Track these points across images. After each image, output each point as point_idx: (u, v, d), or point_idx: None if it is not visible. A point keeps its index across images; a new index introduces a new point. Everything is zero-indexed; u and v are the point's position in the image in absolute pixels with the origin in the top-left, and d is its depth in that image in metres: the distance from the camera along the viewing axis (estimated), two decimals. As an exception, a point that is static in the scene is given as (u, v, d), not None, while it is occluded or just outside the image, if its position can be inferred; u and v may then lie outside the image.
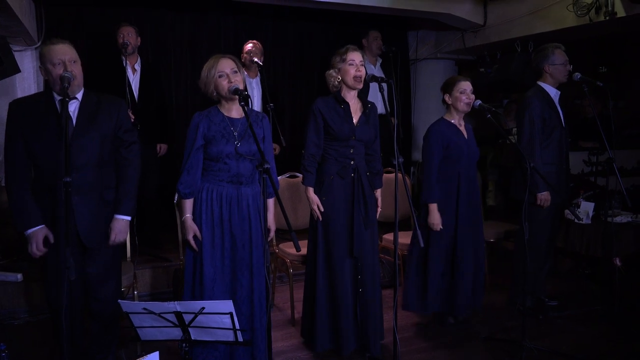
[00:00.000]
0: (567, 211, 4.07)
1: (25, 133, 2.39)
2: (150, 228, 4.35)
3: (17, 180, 2.42)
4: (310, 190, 2.90)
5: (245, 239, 2.58)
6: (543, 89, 3.55)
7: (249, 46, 4.40)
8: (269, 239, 2.68)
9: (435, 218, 3.18)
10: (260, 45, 4.44)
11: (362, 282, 2.91)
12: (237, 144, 2.52)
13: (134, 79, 4.08)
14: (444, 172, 3.22)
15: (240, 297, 2.56)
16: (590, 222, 4.08)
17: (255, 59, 4.29)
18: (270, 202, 2.74)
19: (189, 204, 2.57)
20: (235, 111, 2.59)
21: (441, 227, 3.18)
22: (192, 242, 2.55)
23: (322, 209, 2.88)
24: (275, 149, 4.13)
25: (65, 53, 2.37)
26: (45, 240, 2.44)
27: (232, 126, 2.55)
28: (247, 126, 2.53)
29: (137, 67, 4.16)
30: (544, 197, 3.44)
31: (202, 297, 2.51)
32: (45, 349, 3.01)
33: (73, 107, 2.46)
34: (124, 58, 4.03)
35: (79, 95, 2.48)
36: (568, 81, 3.53)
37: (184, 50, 5.30)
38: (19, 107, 2.44)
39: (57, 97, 2.40)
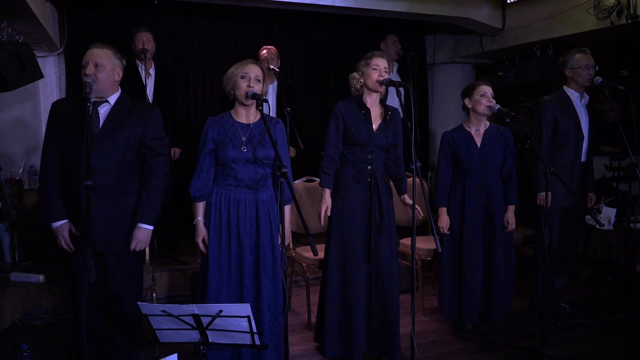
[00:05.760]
0: (588, 217, 4.00)
1: (57, 133, 2.49)
2: (167, 231, 4.38)
3: (48, 177, 2.52)
4: (327, 192, 2.89)
5: (253, 245, 2.58)
6: (564, 93, 3.54)
7: (263, 52, 4.39)
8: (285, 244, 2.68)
9: (442, 221, 3.28)
10: (275, 49, 4.42)
11: (378, 289, 2.90)
12: (244, 149, 2.53)
13: (148, 84, 4.13)
14: (452, 178, 3.32)
15: (247, 302, 2.56)
16: (612, 228, 4.02)
17: (272, 66, 4.29)
18: (287, 209, 2.70)
19: (200, 207, 2.61)
20: (248, 117, 2.61)
21: (448, 231, 3.27)
22: (201, 245, 2.58)
23: (329, 214, 2.88)
24: (291, 151, 4.11)
25: (93, 57, 2.44)
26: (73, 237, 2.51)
27: (241, 131, 2.57)
28: (260, 131, 2.57)
29: (152, 71, 4.20)
30: (544, 197, 3.42)
31: (206, 300, 2.53)
32: (67, 349, 3.05)
33: (103, 110, 2.52)
34: (139, 62, 4.08)
35: (112, 99, 2.53)
36: (590, 85, 3.49)
37: (201, 56, 5.35)
38: (56, 107, 2.55)
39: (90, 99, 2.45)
